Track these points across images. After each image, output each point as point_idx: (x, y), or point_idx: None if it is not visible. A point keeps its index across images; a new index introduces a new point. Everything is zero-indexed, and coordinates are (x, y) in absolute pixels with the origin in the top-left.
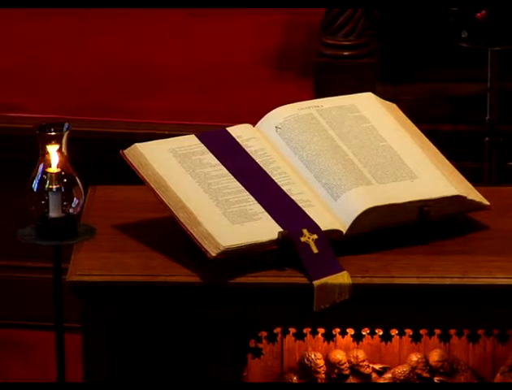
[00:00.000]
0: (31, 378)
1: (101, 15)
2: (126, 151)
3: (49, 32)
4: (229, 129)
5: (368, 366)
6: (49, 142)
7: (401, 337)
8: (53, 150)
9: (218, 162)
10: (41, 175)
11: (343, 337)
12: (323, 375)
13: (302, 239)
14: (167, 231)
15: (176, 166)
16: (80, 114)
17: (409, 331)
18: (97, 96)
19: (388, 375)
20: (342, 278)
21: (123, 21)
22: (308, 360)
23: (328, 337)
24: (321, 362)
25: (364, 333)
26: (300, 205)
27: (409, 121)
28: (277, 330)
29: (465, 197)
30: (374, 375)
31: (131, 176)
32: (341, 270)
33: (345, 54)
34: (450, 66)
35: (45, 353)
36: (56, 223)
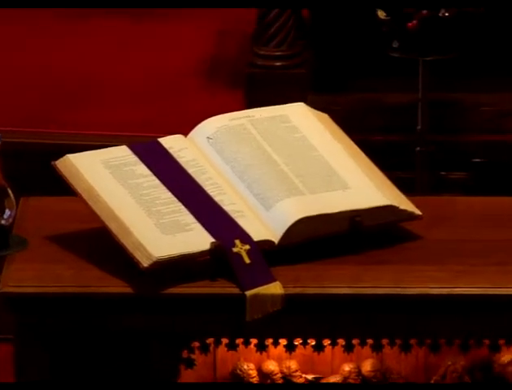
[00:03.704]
0: None
1: (36, 25)
2: (58, 162)
3: None
4: (161, 140)
5: (301, 376)
6: None
7: (333, 347)
8: None
9: (150, 172)
10: None
11: (275, 347)
12: None
13: (234, 249)
14: (100, 242)
15: (108, 177)
16: (12, 125)
17: (341, 341)
18: (30, 107)
19: None
20: (274, 288)
21: (57, 31)
22: (240, 370)
23: (261, 347)
24: (253, 373)
25: (296, 343)
26: (232, 215)
27: (341, 131)
28: (210, 340)
29: (397, 207)
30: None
31: (64, 187)
32: (274, 280)
33: (277, 64)
34: (382, 76)
35: None
36: None
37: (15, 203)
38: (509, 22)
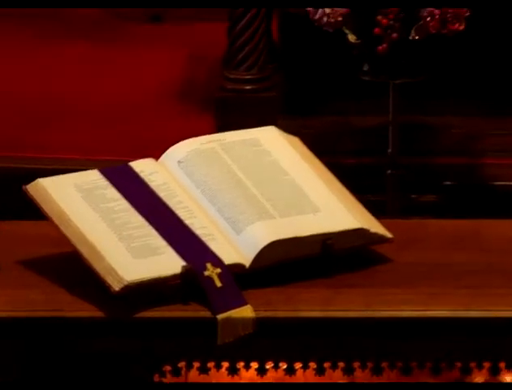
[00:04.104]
0: None
1: (4, 45)
2: (29, 186)
3: None
4: (132, 164)
5: None
6: None
7: (304, 370)
8: None
9: (121, 196)
10: None
11: (247, 371)
12: None
13: (206, 273)
14: (72, 266)
15: (79, 201)
16: None
17: (313, 365)
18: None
19: None
20: (246, 311)
21: (28, 52)
22: None
23: (232, 371)
24: None
25: (268, 367)
26: (203, 239)
27: (312, 154)
28: (181, 364)
29: (368, 230)
30: None
31: (35, 212)
32: (245, 303)
33: (247, 87)
34: (353, 99)
35: None
36: None
37: None
38: (479, 45)
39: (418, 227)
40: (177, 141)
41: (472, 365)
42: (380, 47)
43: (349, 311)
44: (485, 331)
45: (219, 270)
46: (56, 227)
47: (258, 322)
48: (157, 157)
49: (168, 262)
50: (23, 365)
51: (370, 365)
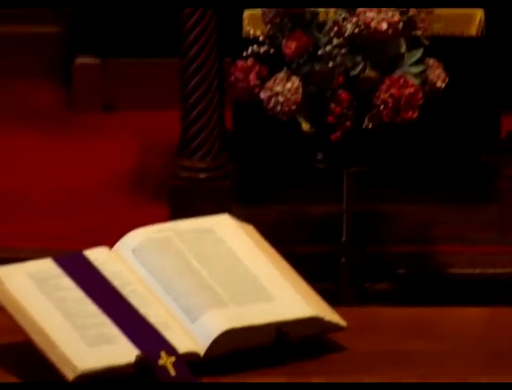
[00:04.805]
0: None
1: None
2: None
3: None
4: (86, 252)
5: None
6: None
7: None
8: None
9: (75, 285)
10: None
11: None
12: None
13: (160, 361)
14: (26, 355)
15: (33, 291)
16: None
17: None
18: None
19: None
20: None
21: None
22: None
23: None
24: None
25: None
26: (157, 327)
27: (265, 242)
28: None
29: (322, 318)
30: None
31: None
32: None
33: (202, 176)
34: (307, 187)
35: None
36: None
37: None
38: (433, 133)
39: (373, 315)
40: (131, 230)
41: None
42: (334, 135)
43: None
44: None
45: (173, 359)
46: (10, 316)
47: None
48: (111, 245)
49: (122, 351)
50: None
51: None
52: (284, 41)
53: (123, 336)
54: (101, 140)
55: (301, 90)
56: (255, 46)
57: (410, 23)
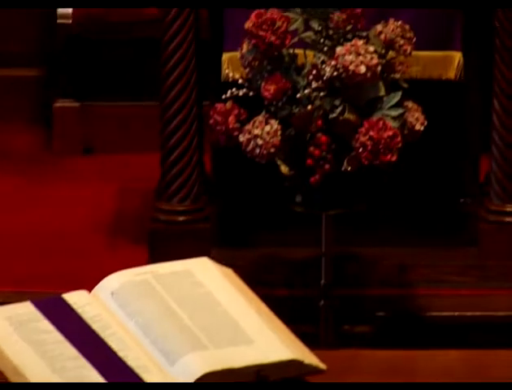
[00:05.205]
0: None
1: None
2: None
3: None
4: (65, 296)
5: None
6: None
7: None
8: None
9: (54, 328)
10: None
11: None
12: None
13: None
14: None
15: (12, 334)
16: None
17: None
18: None
19: None
20: None
21: None
22: None
23: None
24: None
25: None
26: (136, 371)
27: (245, 286)
28: None
29: (301, 361)
30: None
31: None
32: None
33: (181, 219)
34: (286, 230)
35: None
36: None
37: None
38: (411, 176)
39: (352, 358)
40: (110, 273)
41: None
42: (313, 178)
43: None
44: None
45: None
46: None
47: None
48: (90, 289)
49: None
50: None
51: None
52: (262, 84)
53: (102, 380)
54: (81, 184)
55: (279, 133)
56: (234, 89)
57: (389, 66)
